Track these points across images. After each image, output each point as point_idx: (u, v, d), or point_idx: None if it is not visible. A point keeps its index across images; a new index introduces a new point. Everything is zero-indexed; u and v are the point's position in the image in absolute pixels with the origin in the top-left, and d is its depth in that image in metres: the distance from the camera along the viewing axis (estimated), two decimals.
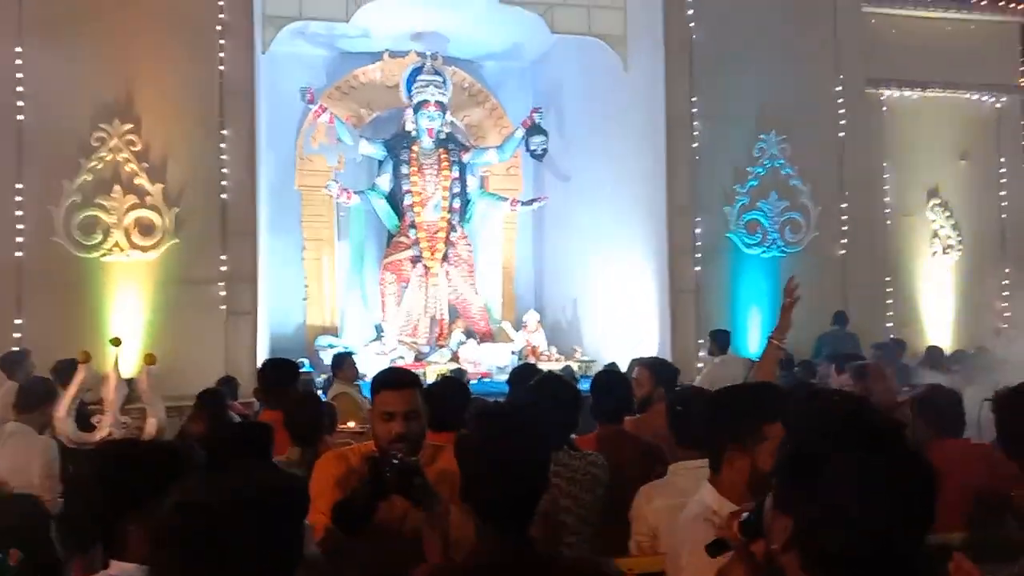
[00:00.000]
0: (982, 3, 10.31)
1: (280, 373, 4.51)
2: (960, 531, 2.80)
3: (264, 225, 8.66)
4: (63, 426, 3.01)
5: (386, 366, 8.87)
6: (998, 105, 10.31)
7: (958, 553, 1.49)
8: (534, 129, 10.35)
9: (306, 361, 8.95)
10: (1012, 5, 10.41)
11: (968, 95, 10.21)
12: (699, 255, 8.86)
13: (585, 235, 10.22)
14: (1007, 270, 10.01)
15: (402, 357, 9.42)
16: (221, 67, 8.07)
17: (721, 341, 8.17)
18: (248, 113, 8.17)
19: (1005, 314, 9.58)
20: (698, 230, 8.88)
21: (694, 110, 8.93)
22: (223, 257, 7.95)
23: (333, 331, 10.25)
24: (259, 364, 6.26)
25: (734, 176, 9.06)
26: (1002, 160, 10.25)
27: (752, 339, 8.69)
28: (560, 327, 10.65)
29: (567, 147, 10.73)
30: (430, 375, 9.22)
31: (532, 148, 10.41)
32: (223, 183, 8.02)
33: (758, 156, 9.15)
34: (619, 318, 9.51)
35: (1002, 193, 10.21)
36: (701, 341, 8.57)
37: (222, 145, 8.03)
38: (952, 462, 3.15)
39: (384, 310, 10.11)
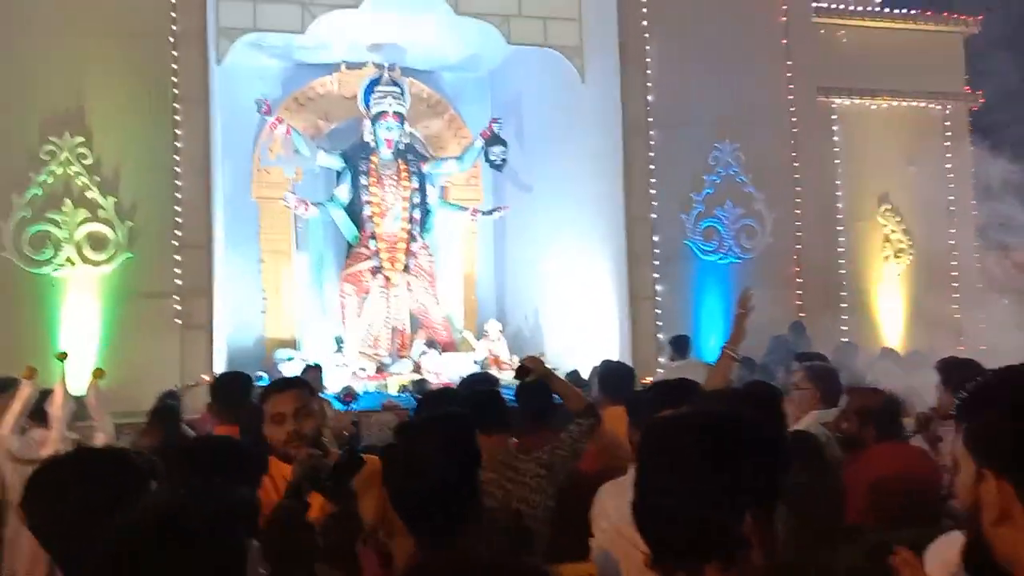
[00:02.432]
0: (927, 14, 10.61)
1: (233, 387, 4.43)
2: (902, 528, 2.84)
3: (220, 237, 8.57)
4: (6, 443, 2.93)
5: (348, 378, 8.92)
6: (946, 112, 10.59)
7: (901, 547, 1.51)
8: (493, 139, 10.39)
9: (265, 375, 8.84)
10: (955, 16, 10.72)
11: (915, 103, 10.47)
12: (657, 262, 8.95)
13: (546, 244, 10.27)
14: (955, 273, 10.28)
15: (363, 368, 9.36)
16: (174, 78, 7.98)
17: (681, 346, 8.25)
18: (202, 124, 8.09)
19: (955, 316, 9.82)
20: (656, 237, 8.98)
21: (650, 119, 9.04)
22: (177, 270, 7.84)
23: (292, 344, 10.15)
24: None
25: (691, 184, 9.18)
26: (948, 166, 10.52)
27: (710, 344, 8.78)
28: (522, 336, 10.67)
29: (527, 157, 10.78)
30: (392, 386, 9.20)
31: (491, 158, 10.44)
32: (177, 195, 7.92)
33: (713, 164, 9.28)
34: (580, 326, 9.55)
35: (950, 198, 10.48)
36: (661, 348, 8.65)
37: (176, 157, 7.94)
38: (891, 464, 3.22)
39: (344, 322, 10.04)
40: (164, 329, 7.69)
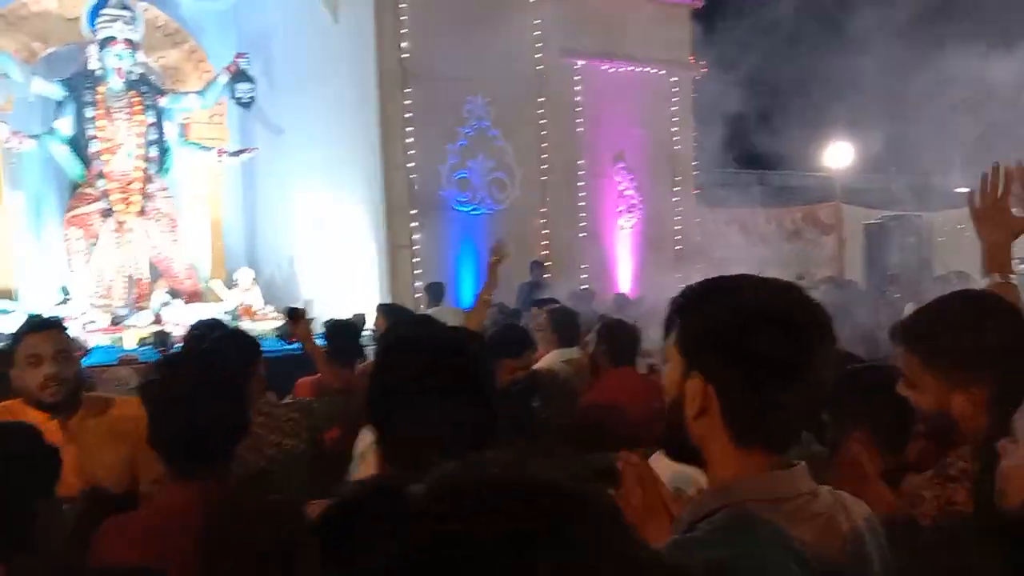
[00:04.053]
0: None
1: None
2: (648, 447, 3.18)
3: None
4: None
5: (76, 331, 8.14)
6: (673, 79, 11.62)
7: (624, 451, 1.64)
8: (239, 75, 9.79)
9: None
10: None
11: (648, 69, 11.38)
12: (415, 211, 9.06)
13: (300, 189, 9.96)
14: (678, 227, 11.45)
15: (94, 321, 8.59)
16: None
17: (435, 293, 8.48)
18: None
19: (677, 265, 10.95)
20: (414, 187, 9.06)
21: (405, 67, 9.02)
22: None
23: (9, 295, 9.05)
24: None
25: (446, 136, 9.35)
26: (674, 129, 11.62)
27: (464, 290, 9.11)
28: (275, 284, 10.34)
29: (277, 97, 10.31)
30: (129, 339, 8.55)
31: (238, 96, 9.85)
32: None
33: (467, 117, 9.51)
34: (337, 274, 9.46)
35: (675, 158, 11.60)
36: (419, 296, 8.83)
37: None
38: (628, 387, 3.62)
39: (71, 270, 9.12)
40: None
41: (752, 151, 12.39)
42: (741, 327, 1.13)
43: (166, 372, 1.93)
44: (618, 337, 3.86)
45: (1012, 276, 1.99)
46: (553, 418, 3.46)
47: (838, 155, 16.50)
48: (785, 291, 1.18)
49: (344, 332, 4.13)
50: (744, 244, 11.46)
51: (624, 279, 10.91)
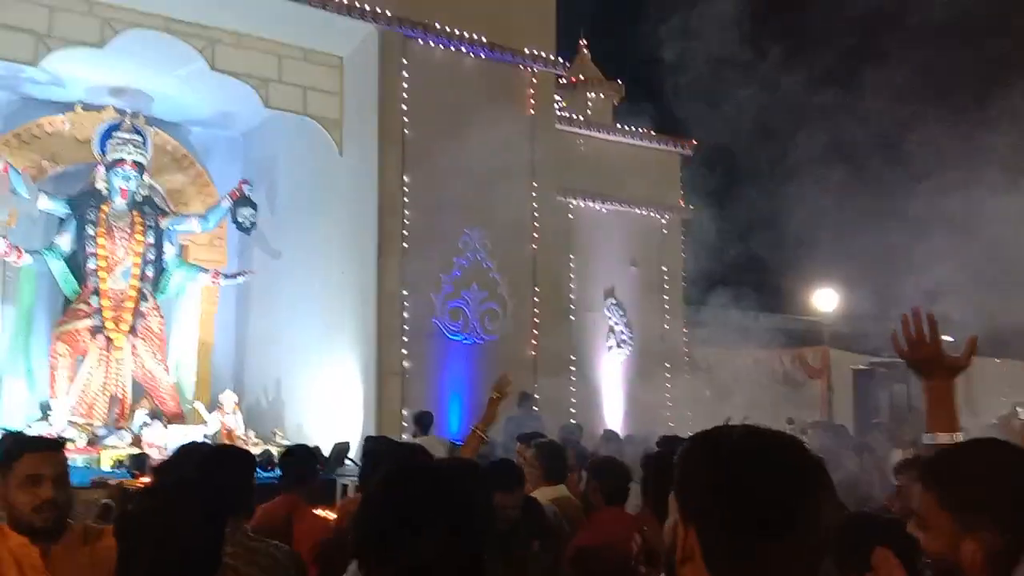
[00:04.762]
0: (652, 133, 12.05)
1: None
2: None
3: None
4: None
5: None
6: (663, 221, 11.97)
7: None
8: (242, 201, 10.05)
9: None
10: (674, 137, 12.28)
11: (639, 210, 11.75)
12: (406, 339, 9.07)
13: (292, 314, 10.00)
14: (667, 364, 11.48)
15: (72, 440, 8.38)
16: None
17: (424, 422, 8.35)
18: None
19: (668, 403, 10.91)
20: (406, 315, 9.11)
21: (405, 199, 9.27)
22: None
23: None
24: None
25: (441, 265, 9.48)
26: (664, 268, 11.86)
27: (453, 420, 8.98)
28: (260, 408, 10.20)
29: (278, 222, 10.53)
30: (105, 460, 8.32)
31: (239, 220, 10.08)
32: None
33: (463, 248, 9.68)
34: (323, 400, 9.34)
35: (664, 297, 11.78)
36: (405, 424, 8.70)
37: None
38: (621, 527, 3.51)
39: (54, 386, 8.99)
40: None
41: (741, 292, 12.56)
42: (727, 472, 1.12)
43: (140, 506, 1.85)
44: (609, 475, 3.79)
45: (959, 435, 1.92)
46: (545, 558, 3.36)
47: (825, 300, 16.77)
48: (780, 441, 1.17)
49: (300, 457, 3.99)
50: (732, 385, 11.43)
51: (613, 413, 10.82)
